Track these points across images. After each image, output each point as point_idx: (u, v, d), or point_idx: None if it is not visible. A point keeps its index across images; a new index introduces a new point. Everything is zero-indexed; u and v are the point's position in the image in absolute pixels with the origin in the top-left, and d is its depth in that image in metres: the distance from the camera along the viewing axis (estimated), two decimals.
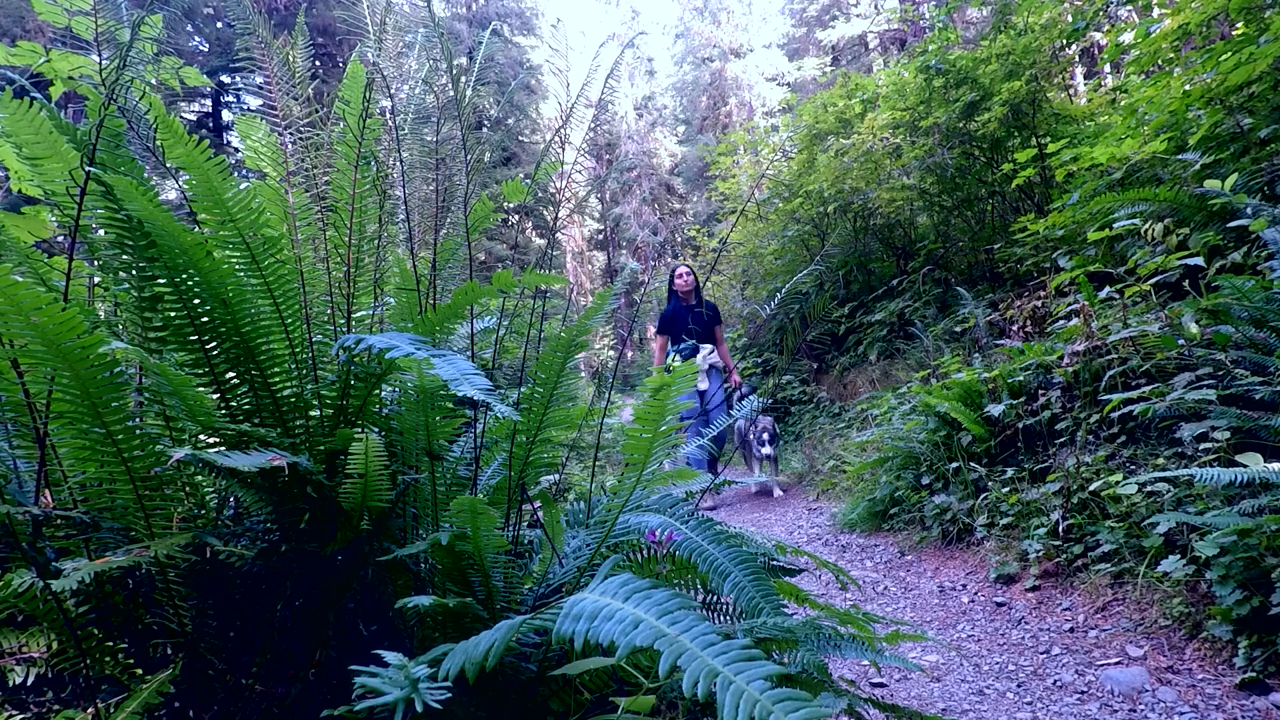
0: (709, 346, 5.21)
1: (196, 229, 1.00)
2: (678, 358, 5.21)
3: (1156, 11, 4.59)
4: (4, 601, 0.85)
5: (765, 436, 4.91)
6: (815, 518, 4.02)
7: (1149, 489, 1.99)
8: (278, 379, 1.04)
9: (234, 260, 1.00)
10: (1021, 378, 2.84)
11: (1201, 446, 1.92)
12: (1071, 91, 6.92)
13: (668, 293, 5.39)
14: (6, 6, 9.83)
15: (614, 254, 25.52)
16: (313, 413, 1.08)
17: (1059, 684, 1.66)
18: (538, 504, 1.19)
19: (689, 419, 5.16)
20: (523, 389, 1.17)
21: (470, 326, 1.28)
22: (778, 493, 5.00)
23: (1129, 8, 4.89)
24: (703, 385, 5.19)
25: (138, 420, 0.96)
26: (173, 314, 0.96)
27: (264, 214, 1.02)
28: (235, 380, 1.03)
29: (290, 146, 1.16)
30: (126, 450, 0.88)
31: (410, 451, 1.08)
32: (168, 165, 1.00)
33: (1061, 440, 2.55)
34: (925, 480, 3.09)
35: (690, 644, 0.50)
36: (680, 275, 5.25)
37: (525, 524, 1.33)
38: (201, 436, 1.00)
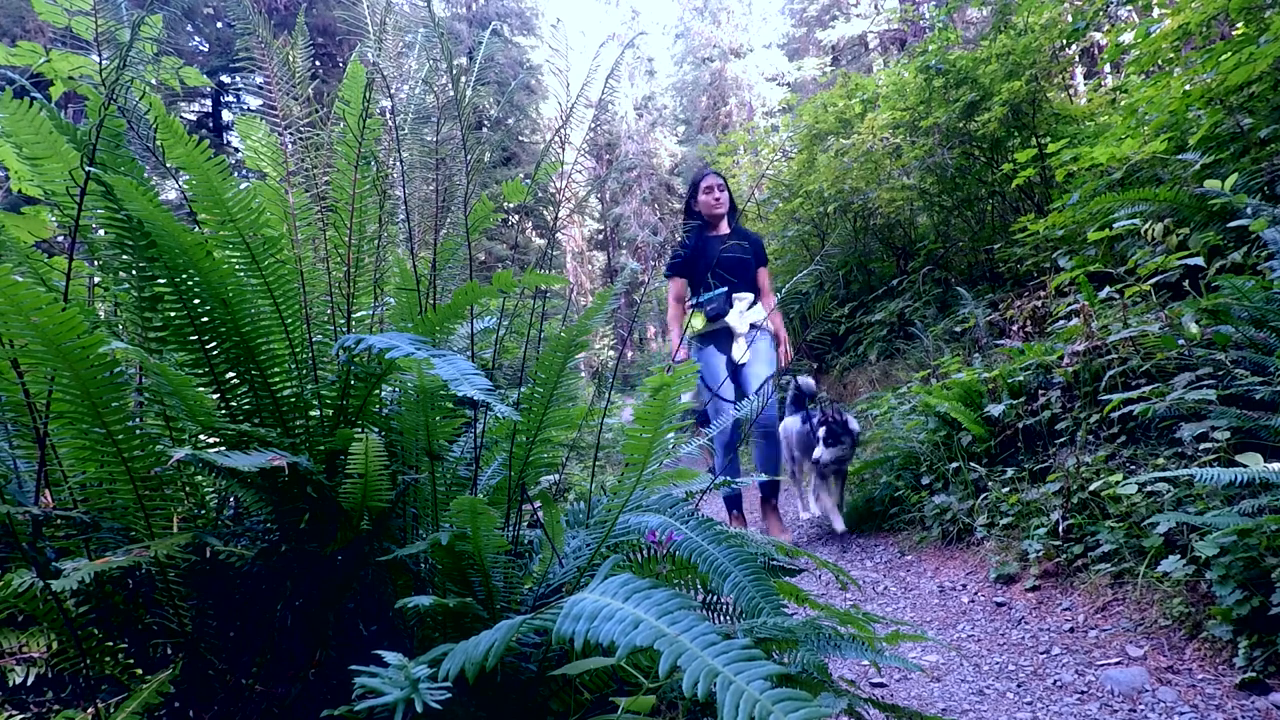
0: (748, 297, 3.33)
1: (196, 229, 1.00)
2: (698, 317, 3.30)
3: (1156, 11, 4.59)
4: (4, 601, 0.85)
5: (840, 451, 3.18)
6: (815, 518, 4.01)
7: (1149, 489, 1.99)
8: (278, 379, 1.04)
9: (234, 260, 1.00)
10: (1021, 378, 2.84)
11: (1201, 446, 1.92)
12: (1071, 91, 6.92)
13: (684, 215, 3.57)
14: (6, 6, 9.83)
15: (614, 254, 25.52)
16: (313, 413, 1.08)
17: (1059, 684, 1.66)
18: (538, 504, 1.19)
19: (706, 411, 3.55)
20: (523, 389, 1.17)
21: (470, 326, 1.28)
22: (840, 526, 3.27)
23: (1129, 8, 4.89)
24: (739, 354, 3.30)
25: (138, 420, 0.96)
26: (173, 314, 0.96)
27: (264, 214, 1.02)
28: (235, 380, 1.03)
29: (290, 146, 1.16)
30: (126, 450, 0.88)
31: (410, 451, 1.08)
32: (168, 165, 1.00)
33: (1061, 440, 2.55)
34: (925, 480, 3.09)
35: (690, 644, 0.50)
36: (707, 189, 3.37)
37: (525, 524, 1.33)
38: (201, 436, 1.00)
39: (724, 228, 3.43)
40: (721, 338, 3.36)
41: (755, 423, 3.26)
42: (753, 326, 3.35)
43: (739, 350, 3.32)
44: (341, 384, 1.06)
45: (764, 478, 2.93)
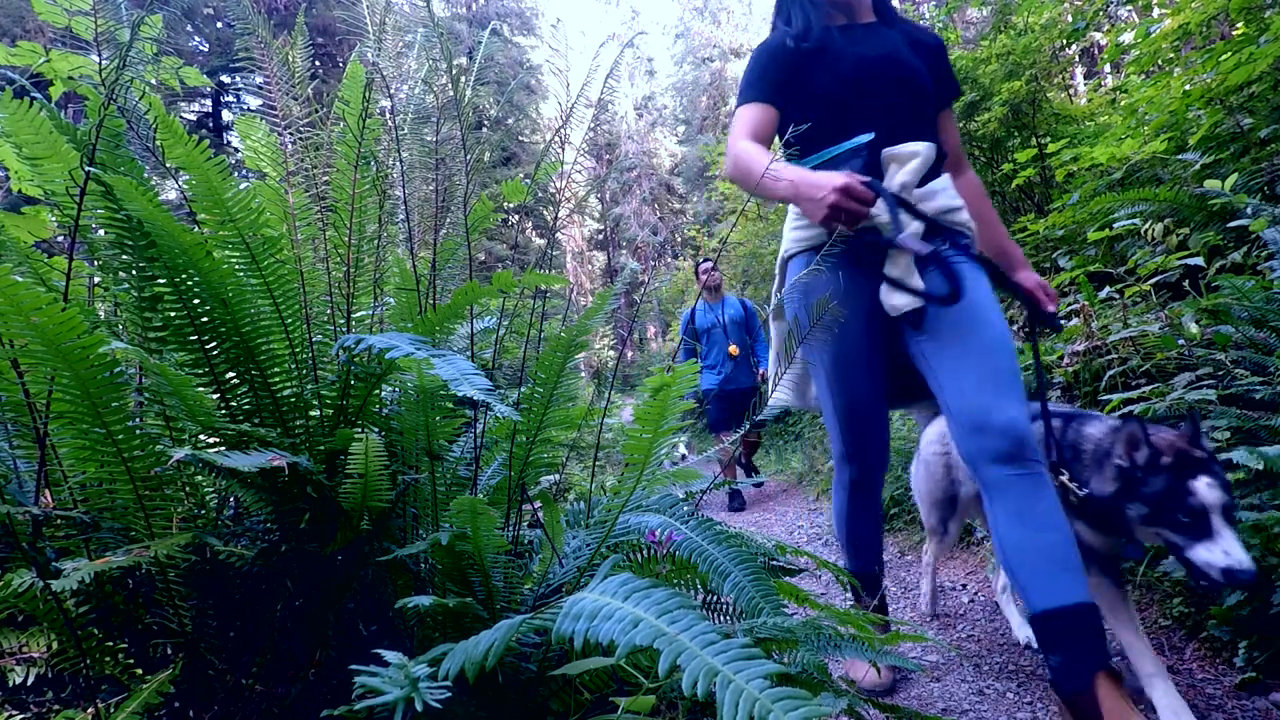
0: (919, 151, 1.38)
1: (196, 229, 1.00)
2: (831, 171, 1.25)
3: (1156, 11, 4.60)
4: (4, 601, 0.85)
5: (1214, 500, 1.19)
6: (815, 518, 4.02)
7: None
8: (278, 379, 1.04)
9: (234, 260, 1.00)
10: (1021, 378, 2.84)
11: None
12: (1071, 91, 6.92)
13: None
14: (6, 6, 9.84)
15: (614, 254, 25.54)
16: (313, 413, 1.08)
17: None
18: (538, 504, 1.19)
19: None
20: (523, 389, 1.17)
21: (470, 326, 1.28)
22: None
23: (1129, 8, 4.89)
24: (898, 297, 1.37)
25: (138, 420, 0.96)
26: (173, 314, 0.96)
27: (264, 214, 1.02)
28: (235, 380, 1.03)
29: (290, 146, 1.16)
30: (126, 450, 0.88)
31: (410, 451, 1.08)
32: (168, 165, 1.00)
33: None
34: None
35: (690, 643, 0.50)
36: None
37: (525, 524, 1.33)
38: (201, 436, 1.00)
39: (864, 12, 1.58)
40: (863, 256, 1.45)
41: (997, 454, 1.31)
42: (939, 229, 1.43)
43: (901, 287, 1.39)
44: (341, 384, 1.06)
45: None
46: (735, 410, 4.81)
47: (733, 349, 4.69)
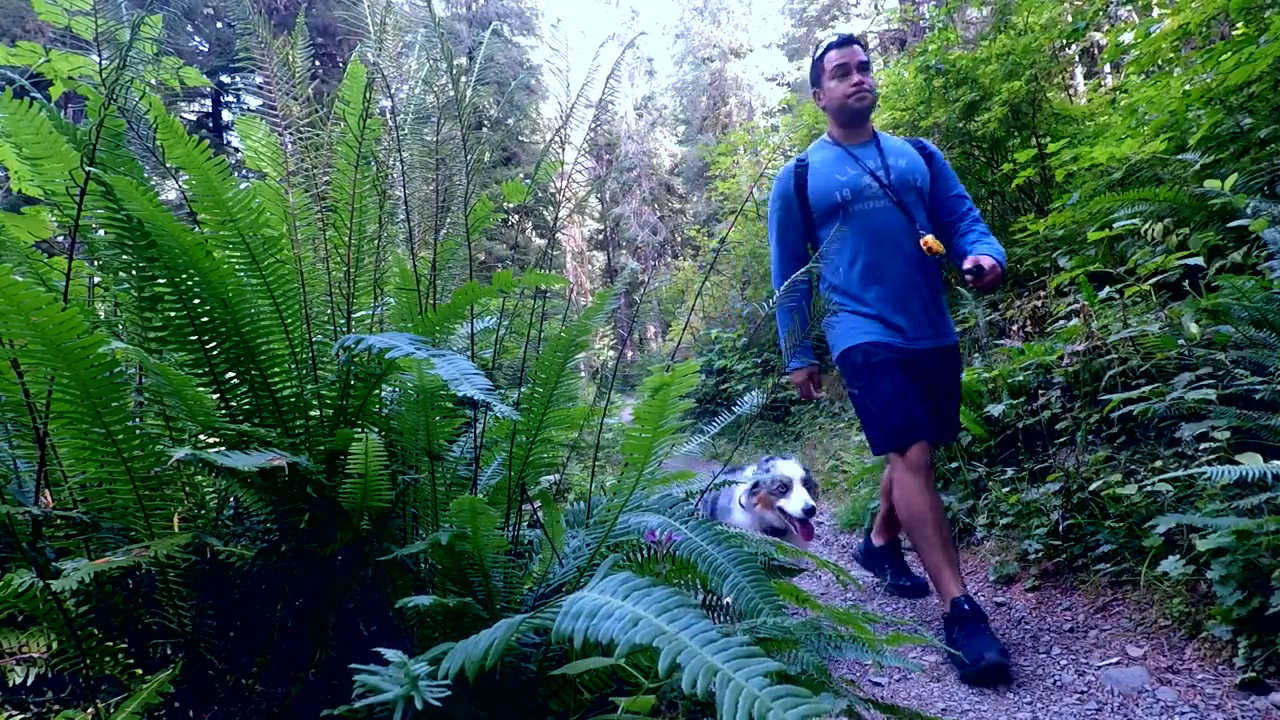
0: None
1: (196, 229, 1.00)
2: None
3: (1156, 11, 4.59)
4: (4, 601, 0.85)
5: None
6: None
7: (1149, 489, 1.99)
8: (278, 379, 1.04)
9: (234, 260, 1.00)
10: (1021, 378, 2.84)
11: (1201, 446, 1.92)
12: (1071, 91, 6.92)
13: None
14: (6, 6, 9.84)
15: (614, 254, 25.54)
16: (313, 413, 1.08)
17: (1059, 684, 1.66)
18: (538, 504, 1.19)
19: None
20: (523, 389, 1.17)
21: (470, 326, 1.28)
22: None
23: (1129, 8, 4.89)
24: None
25: (138, 420, 0.96)
26: (173, 314, 0.96)
27: (264, 214, 1.02)
28: (235, 380, 1.03)
29: (290, 146, 1.16)
30: (126, 450, 0.88)
31: (410, 451, 1.08)
32: (168, 165, 1.00)
33: (1061, 440, 2.55)
34: None
35: (689, 641, 0.50)
36: None
37: (525, 524, 1.33)
38: (201, 436, 1.00)
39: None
40: None
41: None
42: None
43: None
44: (341, 384, 1.06)
45: None
46: (935, 399, 2.11)
47: (929, 241, 2.07)
